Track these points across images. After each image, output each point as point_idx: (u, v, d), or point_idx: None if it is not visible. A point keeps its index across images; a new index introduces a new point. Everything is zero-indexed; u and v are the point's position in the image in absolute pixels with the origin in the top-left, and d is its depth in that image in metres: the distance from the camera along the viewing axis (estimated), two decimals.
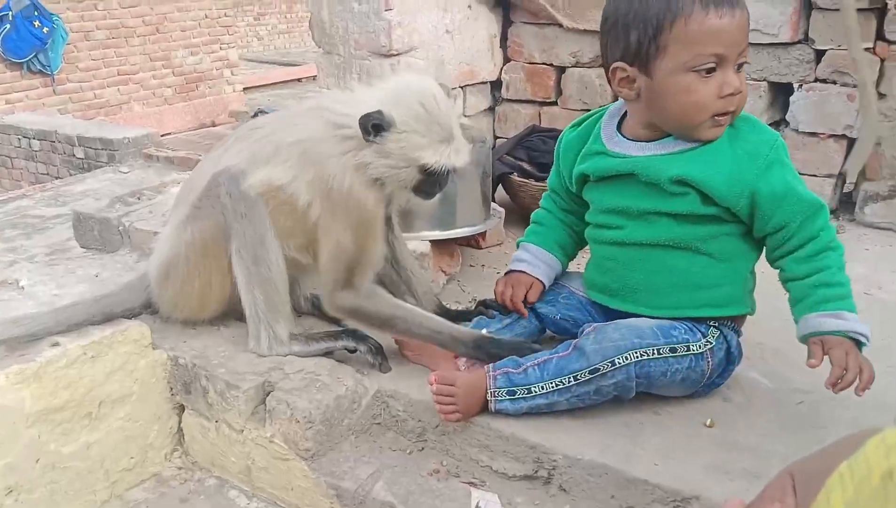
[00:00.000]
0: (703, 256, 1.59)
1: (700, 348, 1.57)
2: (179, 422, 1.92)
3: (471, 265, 2.43)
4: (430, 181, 1.72)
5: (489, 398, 1.57)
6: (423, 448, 1.72)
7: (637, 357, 1.52)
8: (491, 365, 1.60)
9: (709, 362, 1.59)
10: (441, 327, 1.75)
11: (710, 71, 1.46)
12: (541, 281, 1.81)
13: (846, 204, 2.92)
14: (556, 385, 1.54)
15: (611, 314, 1.71)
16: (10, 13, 8.43)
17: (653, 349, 1.53)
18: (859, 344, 1.50)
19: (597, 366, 1.51)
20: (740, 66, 1.50)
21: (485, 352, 1.68)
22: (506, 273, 1.88)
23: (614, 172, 1.64)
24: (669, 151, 1.57)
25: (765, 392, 1.71)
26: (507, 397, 1.57)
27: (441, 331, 1.74)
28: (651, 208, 1.59)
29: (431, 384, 1.58)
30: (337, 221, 1.73)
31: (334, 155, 1.71)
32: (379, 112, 1.64)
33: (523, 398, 1.56)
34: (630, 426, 1.58)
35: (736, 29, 1.45)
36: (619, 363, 1.51)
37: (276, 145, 1.78)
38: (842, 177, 2.84)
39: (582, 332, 1.59)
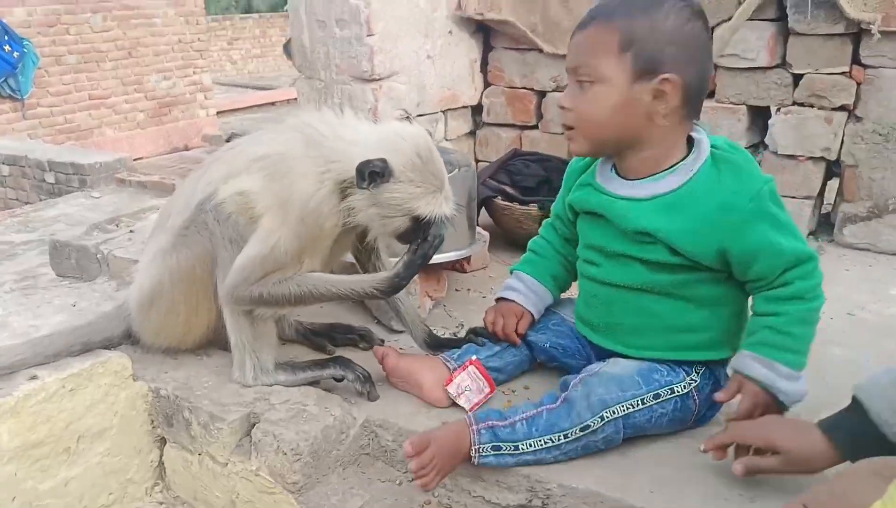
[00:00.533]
0: (680, 300, 1.55)
1: (684, 388, 1.55)
2: (161, 456, 1.87)
3: (456, 290, 2.41)
4: (417, 229, 1.68)
5: (472, 454, 1.51)
6: (413, 479, 1.68)
7: (623, 411, 1.49)
8: (474, 418, 1.54)
9: (695, 400, 1.56)
10: (351, 282, 1.72)
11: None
12: (531, 313, 1.78)
13: (825, 225, 2.95)
14: (546, 444, 1.49)
15: (598, 346, 1.69)
16: None
17: (637, 401, 1.51)
18: (783, 403, 1.46)
19: (587, 423, 1.48)
20: (581, 84, 1.48)
21: (396, 291, 1.71)
22: (496, 299, 1.85)
23: (591, 208, 1.62)
24: (642, 196, 1.52)
25: None
26: (492, 452, 1.51)
27: (350, 285, 1.71)
28: (623, 252, 1.56)
29: (409, 458, 1.49)
30: (286, 227, 1.67)
31: (307, 175, 1.67)
32: (383, 161, 1.60)
33: (510, 454, 1.50)
34: (625, 454, 1.56)
35: (573, 46, 1.50)
36: (607, 418, 1.48)
37: (249, 159, 1.74)
38: (820, 198, 2.87)
39: (569, 383, 1.55)
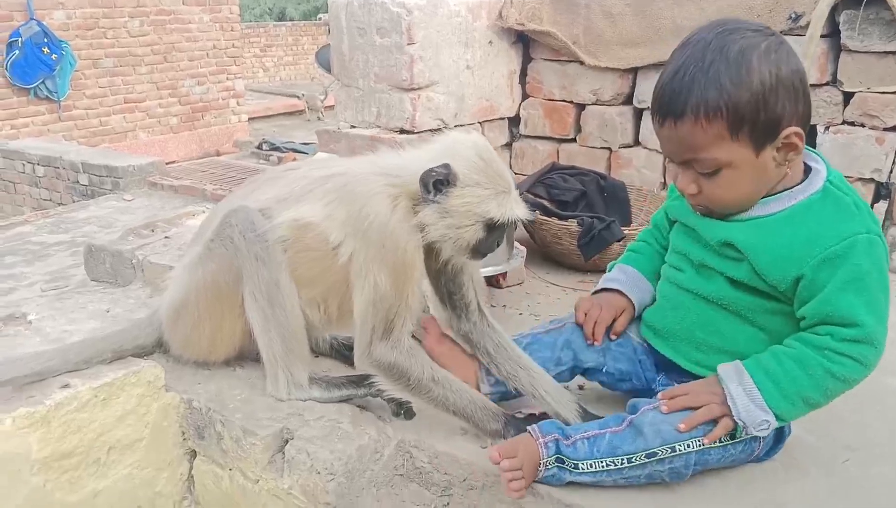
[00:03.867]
0: (752, 327, 1.48)
1: None
2: (190, 469, 1.83)
3: (492, 306, 2.36)
4: (491, 238, 1.63)
5: (540, 468, 1.45)
6: (448, 504, 1.63)
7: (699, 446, 1.42)
8: (538, 430, 1.48)
9: (760, 443, 1.50)
10: (476, 398, 1.65)
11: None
12: (633, 305, 1.70)
13: None
14: (607, 465, 1.43)
15: (659, 367, 1.64)
16: (20, 39, 8.46)
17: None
18: (737, 426, 1.40)
19: (655, 450, 1.41)
20: (702, 173, 1.41)
21: (517, 429, 1.59)
22: (594, 292, 1.77)
23: (684, 220, 1.57)
24: (743, 217, 1.46)
25: (809, 449, 1.62)
26: (556, 465, 1.45)
27: (475, 402, 1.64)
28: (707, 263, 1.51)
29: (497, 461, 1.43)
30: (373, 261, 1.62)
31: (380, 193, 1.62)
32: (445, 166, 1.55)
33: (569, 470, 1.45)
34: (671, 486, 1.49)
35: (670, 139, 1.41)
36: (680, 451, 1.41)
37: (312, 182, 1.70)
38: None
39: (638, 407, 1.49)
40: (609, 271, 1.80)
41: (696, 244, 1.54)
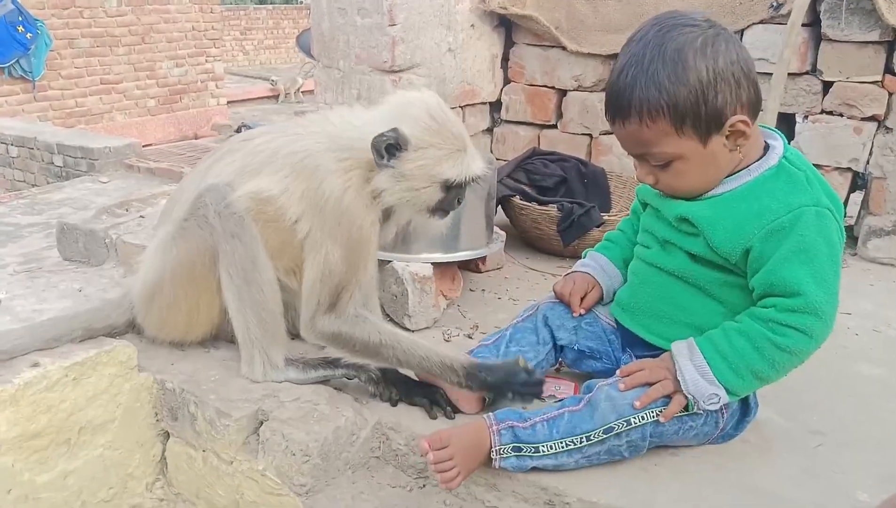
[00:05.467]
0: (711, 300, 1.51)
1: None
2: (163, 450, 1.81)
3: (471, 290, 2.35)
4: (450, 197, 1.63)
5: (493, 455, 1.46)
6: (424, 486, 1.63)
7: (653, 418, 1.44)
8: (493, 418, 1.49)
9: (723, 415, 1.52)
10: (430, 353, 1.64)
11: None
12: (601, 287, 1.75)
13: (848, 238, 2.87)
14: (567, 445, 1.44)
15: (626, 345, 1.67)
16: None
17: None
18: (689, 402, 1.44)
19: (611, 425, 1.43)
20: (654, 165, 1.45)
21: (477, 380, 1.60)
22: (565, 275, 1.83)
23: (650, 201, 1.61)
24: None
25: (782, 433, 1.64)
26: (513, 454, 1.46)
27: (430, 358, 1.63)
28: (670, 239, 1.54)
29: (426, 453, 1.44)
30: (327, 237, 1.63)
31: (334, 171, 1.62)
32: (394, 130, 1.55)
33: (529, 456, 1.46)
34: (647, 469, 1.50)
35: (623, 138, 1.45)
36: (635, 423, 1.44)
37: (268, 156, 1.68)
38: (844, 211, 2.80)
39: (593, 387, 1.51)
40: (584, 256, 1.85)
41: (660, 221, 1.57)
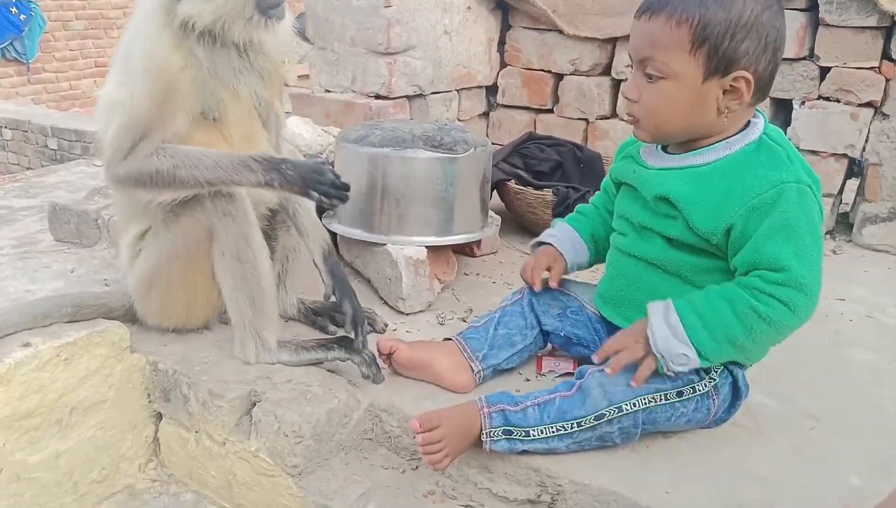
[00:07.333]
0: (693, 288, 1.48)
1: (704, 387, 1.49)
2: (156, 432, 1.80)
3: (465, 274, 2.34)
4: None
5: (484, 438, 1.46)
6: (417, 468, 1.63)
7: (645, 404, 1.44)
8: (485, 400, 1.48)
9: (714, 400, 1.51)
10: (222, 157, 1.58)
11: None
12: (564, 259, 1.73)
13: (843, 225, 2.88)
14: (558, 430, 1.44)
15: (610, 335, 1.64)
16: None
17: (660, 395, 1.45)
18: (658, 363, 1.42)
19: (602, 412, 1.43)
20: (650, 76, 1.41)
21: (279, 174, 1.57)
22: (532, 243, 1.82)
23: (625, 179, 1.59)
24: (674, 166, 1.48)
25: (774, 416, 1.64)
26: (504, 437, 1.45)
27: (221, 162, 1.57)
28: (647, 224, 1.52)
29: (416, 434, 1.44)
30: (133, 87, 1.55)
31: (151, 32, 1.56)
32: None
33: (519, 439, 1.45)
34: (638, 451, 1.50)
35: (639, 32, 1.44)
36: (627, 410, 1.43)
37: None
38: (839, 197, 2.80)
39: (585, 373, 1.50)
40: (552, 226, 1.84)
41: (636, 204, 1.55)
